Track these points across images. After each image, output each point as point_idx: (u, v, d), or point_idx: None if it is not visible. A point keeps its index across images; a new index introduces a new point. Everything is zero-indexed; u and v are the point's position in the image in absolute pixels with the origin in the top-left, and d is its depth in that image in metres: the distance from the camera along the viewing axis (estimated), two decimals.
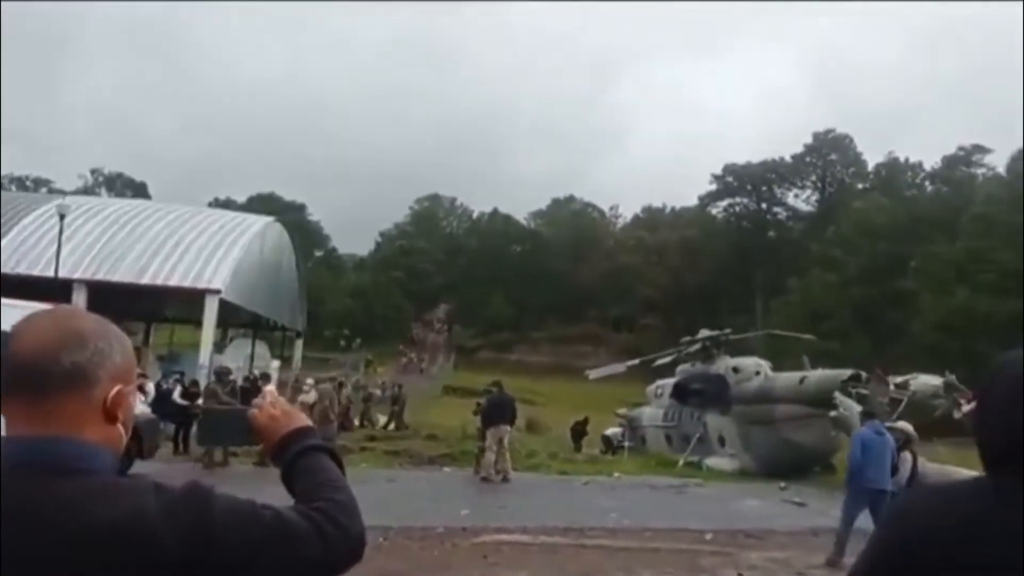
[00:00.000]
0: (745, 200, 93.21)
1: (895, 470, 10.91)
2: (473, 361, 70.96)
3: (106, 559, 1.18)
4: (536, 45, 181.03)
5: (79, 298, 26.00)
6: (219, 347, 36.14)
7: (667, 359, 28.53)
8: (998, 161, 76.94)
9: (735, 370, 24.22)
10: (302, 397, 18.84)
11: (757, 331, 43.83)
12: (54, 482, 1.23)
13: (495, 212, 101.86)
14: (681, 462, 22.82)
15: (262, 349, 42.59)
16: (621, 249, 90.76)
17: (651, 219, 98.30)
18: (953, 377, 21.40)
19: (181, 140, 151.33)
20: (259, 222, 37.41)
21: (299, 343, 47.03)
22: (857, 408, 17.00)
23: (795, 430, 20.57)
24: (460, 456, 20.44)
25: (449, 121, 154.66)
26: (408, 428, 27.60)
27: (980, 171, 79.80)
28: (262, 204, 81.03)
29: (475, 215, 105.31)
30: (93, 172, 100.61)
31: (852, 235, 70.90)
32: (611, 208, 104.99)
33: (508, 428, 17.73)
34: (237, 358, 35.97)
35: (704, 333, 27.35)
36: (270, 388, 19.38)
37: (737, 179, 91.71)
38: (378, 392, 33.05)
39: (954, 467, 19.13)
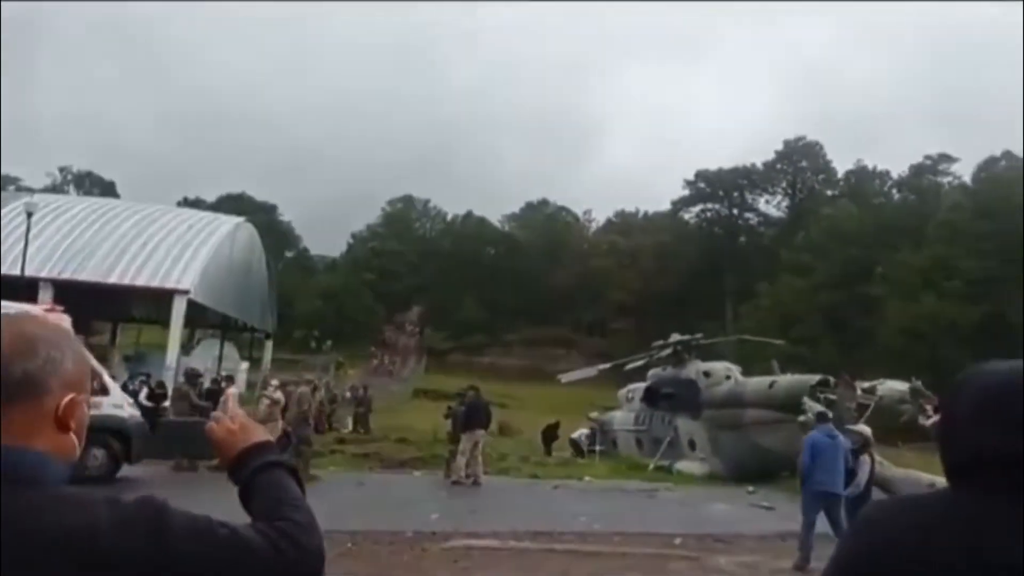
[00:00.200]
0: (717, 206, 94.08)
1: (853, 474, 11.01)
2: (445, 364, 70.78)
3: (53, 573, 1.14)
4: (512, 48, 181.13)
5: (45, 297, 25.59)
6: (187, 348, 35.80)
7: (639, 363, 28.61)
8: (964, 170, 78.45)
9: (706, 374, 24.34)
10: (265, 397, 18.56)
11: (728, 336, 44.10)
12: (2, 493, 1.19)
13: (469, 215, 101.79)
14: (651, 466, 22.89)
15: (231, 350, 42.22)
16: (594, 253, 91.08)
17: (624, 224, 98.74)
18: (919, 383, 21.70)
19: (151, 139, 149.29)
20: (229, 222, 37.09)
21: (268, 344, 46.68)
22: (828, 413, 17.13)
23: (764, 434, 20.70)
24: (431, 460, 20.38)
25: (423, 123, 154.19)
26: (372, 431, 27.33)
27: (946, 180, 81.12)
28: (232, 204, 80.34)
29: (449, 217, 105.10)
30: (62, 170, 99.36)
31: (821, 241, 71.69)
32: (584, 212, 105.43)
33: (483, 432, 17.74)
34: (205, 359, 35.64)
35: (675, 337, 27.44)
36: (232, 391, 19.19)
37: (709, 185, 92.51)
38: (347, 394, 32.73)
39: (919, 472, 19.45)
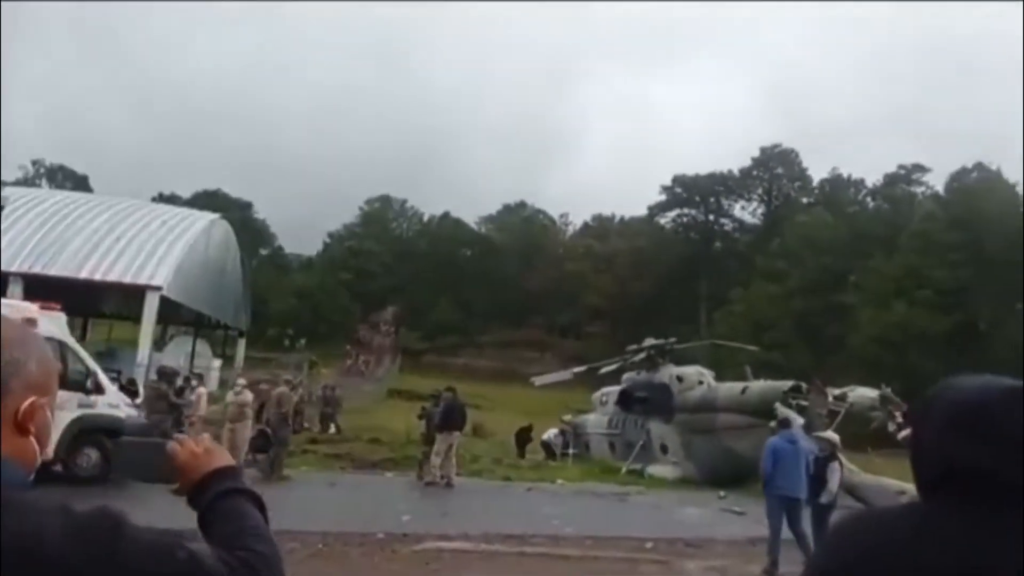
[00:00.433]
0: (693, 211, 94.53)
1: (819, 479, 11.07)
2: (419, 364, 70.54)
3: None
4: (491, 50, 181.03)
5: (15, 292, 25.22)
6: (159, 345, 35.42)
7: (613, 367, 28.70)
8: (936, 180, 79.40)
9: (679, 379, 24.48)
10: (230, 397, 18.40)
11: (702, 341, 44.36)
12: None
13: (446, 215, 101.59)
14: (624, 470, 22.98)
15: (203, 348, 41.84)
16: (570, 257, 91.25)
17: (600, 228, 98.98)
18: (889, 390, 21.97)
19: (125, 133, 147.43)
20: (204, 219, 36.78)
21: (242, 342, 46.34)
22: (799, 420, 17.29)
23: (736, 439, 20.84)
24: (403, 461, 20.32)
25: (401, 123, 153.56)
26: (339, 431, 27.09)
27: (919, 190, 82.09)
28: (207, 201, 79.53)
29: (425, 218, 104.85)
30: (34, 163, 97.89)
31: (796, 248, 72.29)
32: (561, 216, 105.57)
33: (458, 434, 17.73)
34: (177, 356, 35.28)
35: (650, 342, 27.57)
36: (202, 391, 19.03)
37: (686, 190, 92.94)
38: (318, 392, 32.37)
39: (888, 478, 19.65)
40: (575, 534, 12.49)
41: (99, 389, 14.29)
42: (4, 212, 25.28)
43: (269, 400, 18.18)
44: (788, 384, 21.35)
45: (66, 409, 13.18)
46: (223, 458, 1.48)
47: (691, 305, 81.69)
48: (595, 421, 28.42)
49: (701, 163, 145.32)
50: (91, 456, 13.88)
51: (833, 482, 11.07)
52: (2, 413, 1.25)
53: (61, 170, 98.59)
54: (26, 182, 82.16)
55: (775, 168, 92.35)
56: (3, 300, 13.68)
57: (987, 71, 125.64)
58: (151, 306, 29.33)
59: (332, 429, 27.45)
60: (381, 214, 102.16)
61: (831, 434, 12.27)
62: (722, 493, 18.72)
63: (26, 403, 1.27)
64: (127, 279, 29.62)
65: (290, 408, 17.94)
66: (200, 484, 1.43)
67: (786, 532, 10.70)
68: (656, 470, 22.77)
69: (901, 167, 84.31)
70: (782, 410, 18.44)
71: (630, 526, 13.64)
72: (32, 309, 12.88)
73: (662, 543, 12.21)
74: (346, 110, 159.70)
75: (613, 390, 27.61)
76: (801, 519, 10.72)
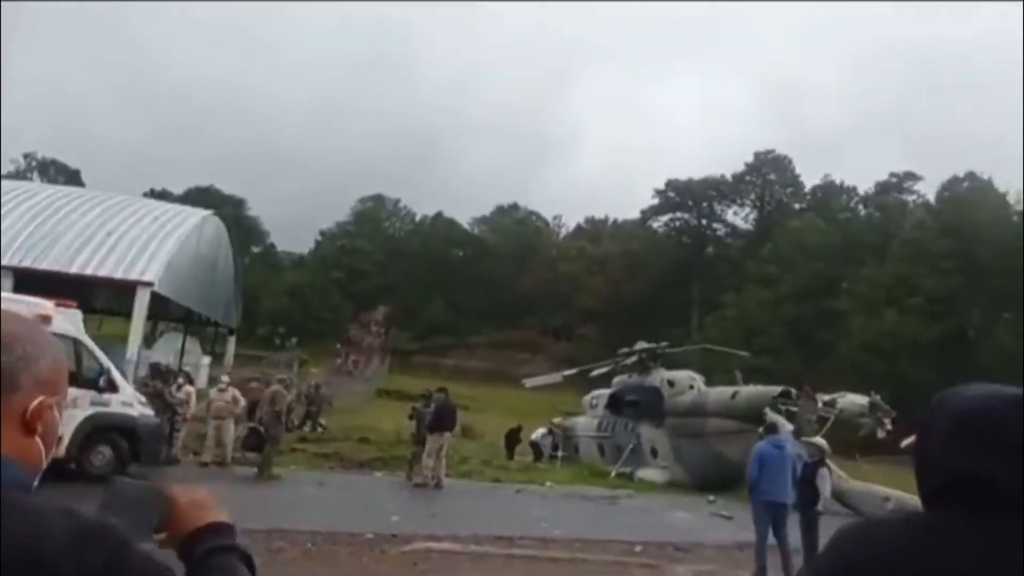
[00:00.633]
0: (686, 215, 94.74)
1: (812, 486, 11.06)
2: (409, 365, 70.43)
3: None
4: (486, 51, 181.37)
5: (5, 285, 25.05)
6: (148, 341, 35.26)
7: (604, 370, 28.71)
8: (928, 189, 79.80)
9: (670, 383, 24.49)
10: (214, 395, 18.32)
11: (693, 345, 44.44)
12: None
13: (439, 216, 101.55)
14: (613, 473, 22.97)
15: (193, 345, 41.67)
16: (563, 258, 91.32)
17: (594, 230, 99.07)
18: (879, 397, 22.02)
19: (118, 128, 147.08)
20: (196, 215, 36.60)
21: (232, 340, 46.15)
22: (788, 425, 17.32)
23: (726, 444, 20.85)
24: (392, 461, 20.28)
25: (396, 123, 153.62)
26: (325, 430, 26.95)
27: (911, 198, 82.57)
28: (200, 197, 79.34)
29: (418, 218, 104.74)
30: (26, 156, 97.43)
31: (787, 254, 72.47)
32: (554, 218, 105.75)
33: (449, 435, 17.71)
34: (167, 353, 35.14)
35: (641, 345, 27.60)
36: (189, 389, 18.95)
37: (679, 194, 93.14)
38: (303, 390, 32.11)
39: (875, 485, 19.71)
40: (564, 537, 12.48)
41: (113, 387, 14.23)
42: None
43: (262, 399, 18.11)
44: (778, 390, 21.38)
45: (79, 407, 13.19)
46: (217, 512, 1.42)
47: (683, 309, 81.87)
48: (585, 424, 28.43)
49: (694, 167, 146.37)
50: (104, 454, 13.85)
51: (825, 489, 11.07)
52: (9, 410, 1.21)
53: (53, 164, 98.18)
54: (17, 175, 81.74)
55: (768, 174, 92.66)
56: (19, 296, 13.58)
57: (980, 81, 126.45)
58: (142, 302, 29.17)
59: (311, 427, 27.20)
60: (374, 213, 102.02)
61: (820, 440, 12.27)
62: (711, 498, 18.74)
63: (35, 402, 1.24)
64: (118, 274, 29.45)
65: (283, 407, 17.89)
66: (192, 537, 1.37)
67: (772, 538, 10.70)
68: (646, 474, 22.78)
69: (893, 175, 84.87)
70: (771, 415, 18.45)
71: (619, 529, 13.64)
72: (47, 306, 12.83)
73: (651, 547, 12.21)
74: (340, 108, 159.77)
75: (604, 393, 27.62)
76: (787, 524, 10.71)
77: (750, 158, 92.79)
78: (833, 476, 12.03)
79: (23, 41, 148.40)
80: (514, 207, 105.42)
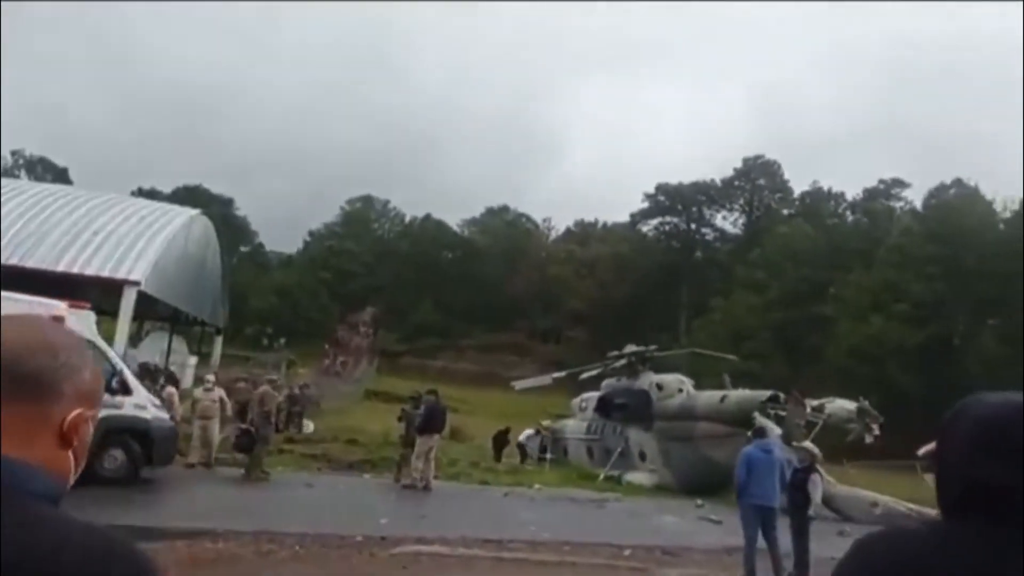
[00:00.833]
0: (675, 219, 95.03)
1: (802, 491, 11.08)
2: (397, 366, 70.26)
3: None
4: (477, 53, 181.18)
5: None
6: (134, 341, 35.05)
7: (593, 372, 28.72)
8: (915, 195, 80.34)
9: (659, 387, 24.51)
10: (199, 394, 18.22)
11: (681, 349, 44.50)
12: None
13: (428, 217, 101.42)
14: (602, 476, 22.96)
15: (180, 344, 41.48)
16: (552, 261, 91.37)
17: (583, 233, 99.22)
18: (867, 402, 22.10)
19: (106, 126, 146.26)
20: (184, 214, 36.42)
21: (219, 340, 45.93)
22: (777, 429, 17.37)
23: (714, 448, 20.90)
24: (380, 462, 20.22)
25: (386, 123, 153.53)
26: (312, 432, 26.75)
27: (898, 204, 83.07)
28: (188, 196, 78.96)
29: (407, 219, 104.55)
30: (13, 154, 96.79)
31: (776, 259, 72.75)
32: (544, 220, 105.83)
33: (439, 437, 17.68)
34: (153, 352, 34.98)
35: (630, 348, 27.62)
36: (172, 390, 18.86)
37: (668, 198, 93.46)
38: (289, 391, 31.87)
39: (863, 490, 19.78)
40: (552, 540, 12.46)
41: (126, 390, 14.15)
42: None
43: (252, 399, 18.05)
44: (767, 394, 21.45)
45: None
46: None
47: (671, 313, 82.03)
48: (574, 426, 28.43)
49: (684, 172, 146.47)
50: (116, 457, 13.78)
51: (817, 495, 11.09)
52: (47, 418, 1.17)
53: (41, 162, 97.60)
54: (4, 173, 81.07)
55: (757, 179, 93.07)
56: (31, 297, 13.44)
57: (969, 89, 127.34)
58: (128, 301, 29.01)
59: (296, 428, 27.01)
60: (363, 214, 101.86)
61: (811, 445, 12.29)
62: (699, 501, 18.76)
63: (73, 413, 1.20)
64: (105, 273, 29.27)
65: (273, 407, 17.83)
66: None
67: (761, 542, 10.70)
68: (634, 477, 22.79)
69: (881, 181, 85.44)
70: (760, 419, 18.50)
71: (608, 533, 13.63)
72: (61, 307, 12.73)
73: (640, 550, 12.20)
74: (330, 109, 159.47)
75: (593, 396, 27.63)
76: (775, 528, 10.72)
77: (739, 163, 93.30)
78: (824, 482, 12.04)
79: (10, 39, 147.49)
80: (504, 209, 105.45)
